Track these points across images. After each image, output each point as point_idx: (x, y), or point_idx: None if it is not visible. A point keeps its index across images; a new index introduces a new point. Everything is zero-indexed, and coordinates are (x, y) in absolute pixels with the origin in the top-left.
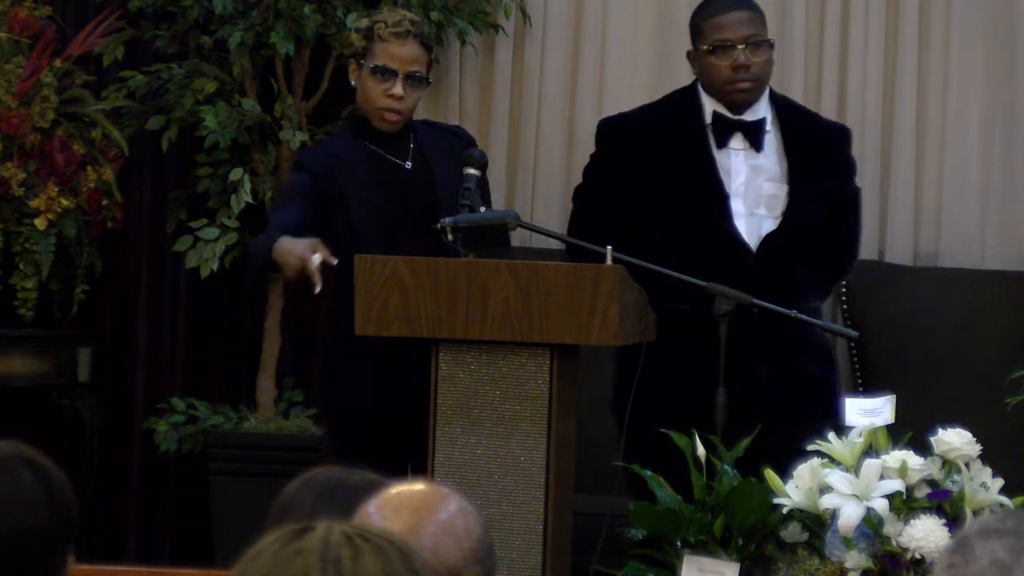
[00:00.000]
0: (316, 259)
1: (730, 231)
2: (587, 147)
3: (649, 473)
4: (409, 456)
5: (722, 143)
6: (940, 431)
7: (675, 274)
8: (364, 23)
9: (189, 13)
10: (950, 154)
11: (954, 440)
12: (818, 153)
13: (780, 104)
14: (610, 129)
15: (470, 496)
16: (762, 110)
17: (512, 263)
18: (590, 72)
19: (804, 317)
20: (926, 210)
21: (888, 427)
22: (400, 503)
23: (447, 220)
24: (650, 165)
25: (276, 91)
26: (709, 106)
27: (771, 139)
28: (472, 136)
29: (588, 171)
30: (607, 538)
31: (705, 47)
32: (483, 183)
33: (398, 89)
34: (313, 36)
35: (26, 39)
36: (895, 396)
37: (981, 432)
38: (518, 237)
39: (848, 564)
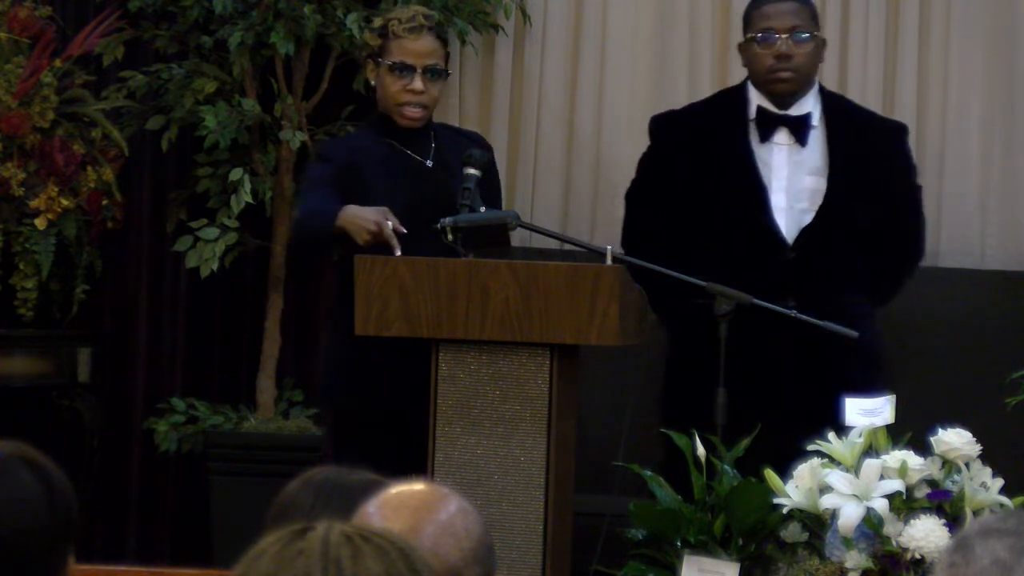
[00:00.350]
0: (389, 225)
1: (769, 225)
2: (587, 147)
3: (649, 473)
4: (409, 456)
5: (766, 137)
6: (940, 431)
7: (674, 274)
8: (378, 22)
9: (189, 13)
10: (950, 154)
11: (954, 440)
12: (868, 149)
13: (829, 99)
14: (659, 125)
15: (470, 496)
16: (808, 105)
17: (512, 263)
18: (590, 72)
19: (803, 317)
20: (926, 210)
21: (888, 427)
22: (400, 503)
23: (447, 220)
24: (695, 160)
25: (276, 91)
26: (755, 101)
27: (817, 134)
28: (488, 143)
29: (640, 166)
30: (607, 538)
31: (750, 36)
32: (490, 182)
33: (417, 84)
34: (313, 36)
35: (26, 39)
36: (895, 396)
37: (981, 432)
38: (518, 237)
39: (848, 564)
